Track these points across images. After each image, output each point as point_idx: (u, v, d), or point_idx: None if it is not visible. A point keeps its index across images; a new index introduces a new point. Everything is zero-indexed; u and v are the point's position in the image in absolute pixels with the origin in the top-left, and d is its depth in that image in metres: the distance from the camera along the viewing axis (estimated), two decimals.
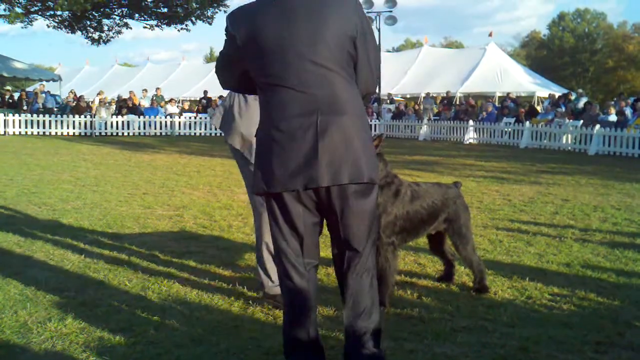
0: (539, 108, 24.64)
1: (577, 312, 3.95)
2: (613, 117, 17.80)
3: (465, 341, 3.44)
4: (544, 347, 3.36)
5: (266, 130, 2.78)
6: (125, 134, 23.97)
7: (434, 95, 30.10)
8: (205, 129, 24.97)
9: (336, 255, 2.93)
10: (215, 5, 27.00)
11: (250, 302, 4.07)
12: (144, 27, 28.47)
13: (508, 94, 26.30)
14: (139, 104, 26.28)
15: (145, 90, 29.03)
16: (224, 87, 3.12)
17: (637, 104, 18.71)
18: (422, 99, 30.10)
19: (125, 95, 28.07)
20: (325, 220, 2.92)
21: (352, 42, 2.73)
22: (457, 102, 27.61)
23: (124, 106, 25.67)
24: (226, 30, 2.82)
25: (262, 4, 2.73)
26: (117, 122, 24.15)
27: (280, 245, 2.87)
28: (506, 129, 20.64)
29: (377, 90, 2.73)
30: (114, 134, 23.84)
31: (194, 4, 26.15)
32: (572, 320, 3.79)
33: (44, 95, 27.21)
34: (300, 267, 2.87)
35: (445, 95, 28.09)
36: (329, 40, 2.67)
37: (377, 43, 2.94)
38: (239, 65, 2.85)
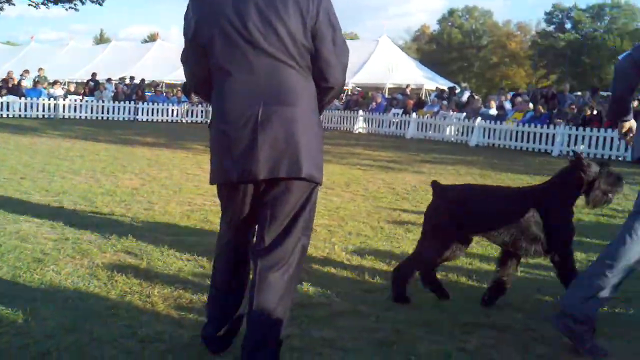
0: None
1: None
2: (493, 111, 18.70)
3: (343, 325, 3.53)
4: (416, 329, 3.50)
5: (216, 120, 2.77)
6: (5, 115, 22.63)
7: None
8: (92, 113, 24.00)
9: (254, 245, 2.87)
10: None
11: (128, 289, 3.98)
12: (29, 5, 26.95)
13: (407, 85, 26.93)
14: (19, 84, 24.86)
15: (27, 70, 27.53)
16: (189, 81, 2.98)
17: (515, 98, 19.75)
18: None
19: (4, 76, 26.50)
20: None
21: (310, 34, 2.68)
22: (350, 92, 28.05)
23: (4, 87, 24.21)
24: (186, 15, 2.76)
25: None
26: None
27: (223, 232, 2.98)
28: (394, 120, 21.22)
29: (343, 88, 2.73)
30: None
31: None
32: (443, 302, 3.99)
33: None
34: (239, 256, 2.96)
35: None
36: (282, 31, 2.62)
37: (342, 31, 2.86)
38: (197, 55, 2.78)
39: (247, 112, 2.65)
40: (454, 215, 3.88)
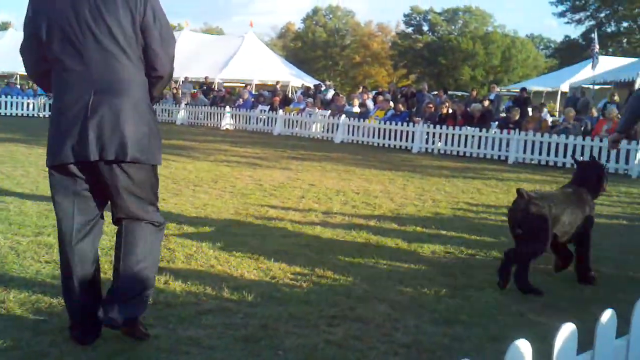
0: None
1: (315, 290, 4.24)
2: (357, 109, 19.23)
3: (210, 323, 3.52)
4: (283, 324, 3.56)
5: (54, 108, 3.01)
6: None
7: (193, 80, 29.94)
8: None
9: (115, 223, 3.17)
10: None
11: None
12: None
13: (278, 82, 26.98)
14: None
15: None
16: (28, 72, 3.18)
17: (377, 97, 20.43)
18: (180, 83, 29.78)
19: None
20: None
21: (139, 29, 2.96)
22: (216, 88, 27.76)
23: None
24: (27, 9, 2.96)
25: None
26: None
27: (59, 216, 3.07)
28: (261, 117, 21.27)
29: (172, 76, 3.05)
30: None
31: None
32: (310, 297, 4.07)
33: None
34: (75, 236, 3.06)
35: (204, 80, 28.07)
36: (114, 25, 2.87)
37: (170, 26, 3.17)
38: (34, 47, 3.00)
39: (80, 101, 2.89)
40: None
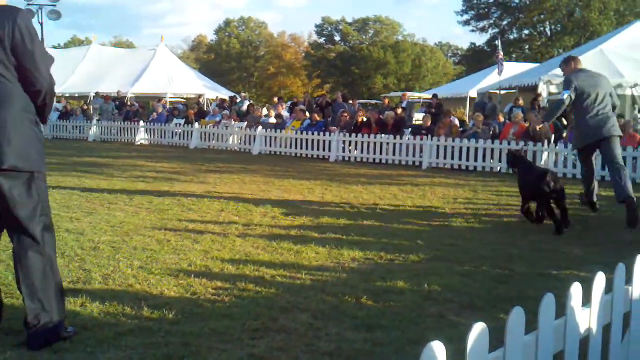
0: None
1: (237, 303, 4.22)
2: (273, 119, 19.27)
3: (129, 344, 3.44)
4: (206, 340, 3.52)
5: None
6: None
7: (104, 94, 29.20)
8: None
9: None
10: None
11: None
12: None
13: (200, 95, 26.61)
14: None
15: None
16: None
17: (293, 107, 20.54)
18: (91, 99, 28.97)
19: None
20: None
21: (10, 51, 3.19)
22: (128, 103, 27.16)
23: None
24: None
25: None
26: None
27: None
28: (176, 130, 20.97)
29: (53, 89, 3.32)
30: None
31: None
32: (232, 311, 4.04)
33: None
34: None
35: (116, 95, 27.41)
36: None
37: (41, 41, 3.45)
38: None
39: None
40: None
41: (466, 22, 56.46)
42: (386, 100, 22.33)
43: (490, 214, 8.10)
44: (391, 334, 3.70)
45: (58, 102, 27.97)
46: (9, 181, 3.22)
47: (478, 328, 1.87)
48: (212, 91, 32.39)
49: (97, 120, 23.68)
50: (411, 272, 5.08)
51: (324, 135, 16.53)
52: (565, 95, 7.41)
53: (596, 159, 8.64)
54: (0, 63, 3.21)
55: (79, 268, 5.01)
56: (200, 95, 26.94)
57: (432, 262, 5.47)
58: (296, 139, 17.20)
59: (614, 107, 7.62)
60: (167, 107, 25.48)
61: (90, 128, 23.03)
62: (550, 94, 17.50)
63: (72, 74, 32.88)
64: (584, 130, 7.53)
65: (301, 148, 17.03)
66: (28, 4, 24.88)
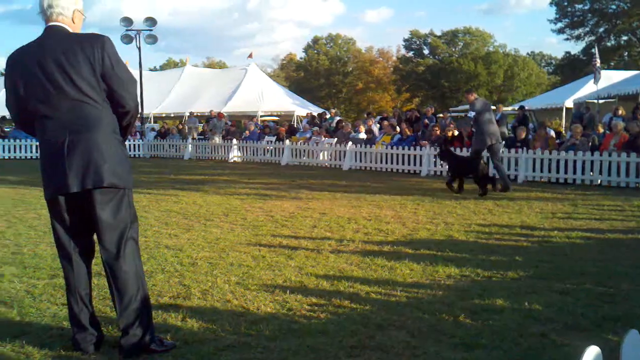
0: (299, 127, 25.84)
1: (333, 320, 4.22)
2: (363, 135, 19.27)
3: (229, 359, 3.49)
4: (303, 357, 3.53)
5: (40, 150, 3.51)
6: None
7: (198, 114, 30.18)
8: None
9: (101, 252, 3.53)
10: None
11: (0, 342, 3.73)
12: None
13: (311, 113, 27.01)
14: None
15: None
16: (18, 124, 3.71)
17: (383, 122, 20.48)
18: (186, 118, 30.00)
19: None
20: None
21: (101, 76, 3.42)
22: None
23: None
24: (6, 68, 3.51)
25: (30, 45, 3.47)
26: None
27: (59, 241, 3.60)
28: (268, 147, 21.35)
29: (138, 109, 3.76)
30: None
31: None
32: (328, 327, 4.04)
33: None
34: (73, 257, 3.60)
35: (209, 114, 28.24)
36: (76, 77, 3.36)
37: (127, 68, 3.67)
38: (15, 102, 3.50)
39: (58, 142, 3.37)
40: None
41: (560, 31, 54.66)
42: None
43: (591, 229, 7.75)
44: (492, 353, 3.59)
45: (155, 122, 29.13)
46: (105, 197, 3.44)
47: (592, 352, 1.77)
48: (301, 108, 32.84)
49: (192, 139, 24.45)
50: (510, 289, 4.92)
51: (415, 149, 16.39)
52: None
53: None
54: (92, 88, 3.40)
55: (178, 284, 5.15)
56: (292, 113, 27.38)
57: (532, 280, 5.28)
58: (386, 154, 17.14)
59: None
60: (259, 124, 25.99)
61: (186, 147, 23.81)
62: None
63: (167, 95, 34.22)
64: None
65: (392, 163, 16.96)
66: (127, 30, 26.15)
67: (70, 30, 3.52)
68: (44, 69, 3.37)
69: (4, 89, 3.56)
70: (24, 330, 3.94)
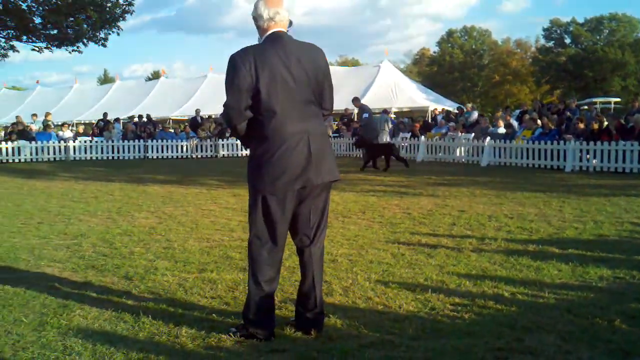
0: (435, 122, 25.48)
1: (477, 321, 4.11)
2: (502, 130, 18.68)
3: (373, 357, 3.49)
4: (449, 358, 3.46)
5: (266, 149, 3.61)
6: (16, 160, 22.81)
7: (332, 113, 30.49)
8: (102, 153, 24.14)
9: (299, 241, 3.85)
10: (107, 27, 26.22)
11: (155, 330, 3.97)
12: (33, 50, 27.18)
13: (446, 108, 26.79)
14: (30, 129, 25.10)
15: (35, 114, 27.80)
16: (236, 122, 3.66)
17: (524, 116, 19.71)
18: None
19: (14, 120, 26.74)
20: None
21: (322, 81, 3.76)
22: (355, 119, 28.08)
23: (14, 132, 24.46)
24: (237, 67, 3.52)
25: (267, 48, 3.62)
26: (6, 148, 22.91)
27: (272, 236, 3.72)
28: (403, 144, 21.22)
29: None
30: (4, 160, 22.58)
31: (84, 26, 25.26)
32: (473, 328, 3.94)
33: None
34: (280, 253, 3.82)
35: (344, 112, 28.51)
36: (312, 81, 3.68)
37: None
38: (247, 98, 3.56)
39: (301, 142, 3.62)
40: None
41: None
42: (636, 103, 19.30)
43: None
44: None
45: None
46: (327, 189, 3.85)
47: None
48: (435, 103, 32.32)
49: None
50: None
51: (559, 144, 15.65)
52: None
53: None
54: (315, 91, 3.73)
55: None
56: (434, 109, 27.02)
57: None
58: (527, 149, 16.50)
59: None
60: (393, 121, 25.88)
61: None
62: None
63: None
64: None
65: (533, 158, 16.32)
66: None
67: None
68: (288, 69, 3.61)
69: (230, 87, 3.61)
70: (177, 321, 4.15)
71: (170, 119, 35.47)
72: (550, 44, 65.26)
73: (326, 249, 6.33)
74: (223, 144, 24.96)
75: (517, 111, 23.64)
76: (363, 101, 31.56)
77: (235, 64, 3.54)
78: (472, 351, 3.55)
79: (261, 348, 3.65)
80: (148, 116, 28.76)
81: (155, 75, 67.59)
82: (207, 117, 28.44)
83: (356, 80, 34.38)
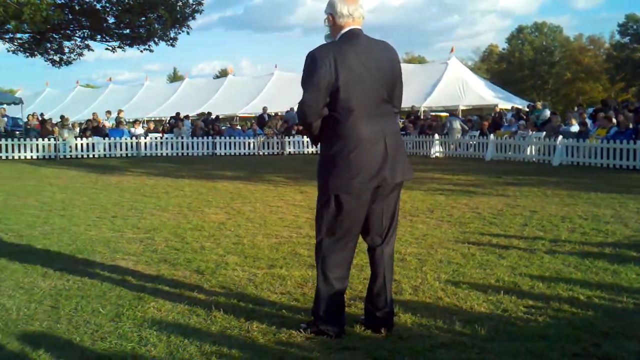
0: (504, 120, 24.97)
1: (552, 324, 4.00)
2: (575, 128, 18.13)
3: (444, 357, 3.46)
4: None
5: (342, 148, 3.58)
6: (90, 156, 23.63)
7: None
8: (172, 149, 24.73)
9: (371, 240, 3.89)
10: (177, 26, 26.80)
11: (227, 325, 4.03)
12: (106, 49, 28.06)
13: (515, 106, 26.26)
14: (103, 126, 25.98)
15: (109, 111, 28.74)
16: (312, 119, 3.62)
17: (598, 114, 19.08)
18: None
19: (88, 117, 27.71)
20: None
21: (395, 80, 3.74)
22: (422, 117, 27.83)
23: (88, 128, 25.36)
24: (317, 64, 3.48)
25: (346, 46, 3.58)
26: (81, 144, 23.75)
27: (345, 234, 3.73)
28: (471, 142, 20.89)
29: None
30: (79, 156, 23.42)
31: (156, 25, 25.91)
32: (548, 332, 3.84)
33: (5, 119, 26.72)
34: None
35: (410, 110, 28.29)
36: (388, 80, 3.68)
37: None
38: (325, 96, 3.53)
39: (379, 142, 3.61)
40: None
41: None
42: None
43: None
44: None
45: None
46: (399, 188, 3.86)
47: None
48: (504, 101, 31.66)
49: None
50: None
51: (635, 143, 15.08)
52: None
53: None
54: (391, 90, 3.73)
55: None
56: (497, 106, 26.50)
57: None
58: (602, 148, 15.97)
59: None
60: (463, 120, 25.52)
61: None
62: None
63: None
64: None
65: (608, 158, 15.78)
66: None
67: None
68: (366, 67, 3.61)
69: (309, 83, 3.55)
70: (248, 316, 4.20)
71: (237, 116, 36.04)
72: (626, 40, 62.93)
73: (395, 248, 6.32)
74: (289, 142, 25.17)
75: (590, 109, 22.91)
76: (430, 99, 31.46)
77: (315, 61, 3.50)
78: (547, 355, 3.47)
79: (332, 345, 3.65)
80: (216, 115, 29.30)
81: (223, 73, 68.87)
82: (273, 114, 28.76)
83: (423, 78, 34.04)
